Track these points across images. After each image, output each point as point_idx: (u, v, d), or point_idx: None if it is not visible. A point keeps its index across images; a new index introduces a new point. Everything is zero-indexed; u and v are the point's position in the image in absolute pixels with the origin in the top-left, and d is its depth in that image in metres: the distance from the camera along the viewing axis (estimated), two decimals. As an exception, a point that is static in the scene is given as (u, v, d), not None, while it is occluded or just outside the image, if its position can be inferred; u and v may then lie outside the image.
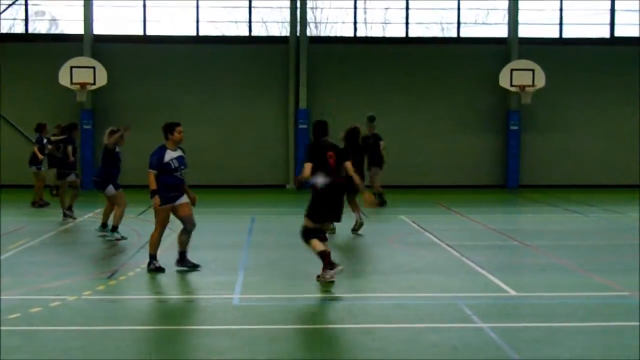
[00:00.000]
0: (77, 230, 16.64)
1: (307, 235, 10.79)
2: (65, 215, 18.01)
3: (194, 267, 11.79)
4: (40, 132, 21.03)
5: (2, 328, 8.36)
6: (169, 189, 11.57)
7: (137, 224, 17.30)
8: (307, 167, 10.83)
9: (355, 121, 27.95)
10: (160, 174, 11.53)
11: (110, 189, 15.49)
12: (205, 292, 10.29)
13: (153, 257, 11.67)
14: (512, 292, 10.38)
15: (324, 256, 10.66)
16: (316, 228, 10.80)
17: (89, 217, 18.56)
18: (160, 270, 11.53)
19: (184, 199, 11.84)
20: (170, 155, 11.66)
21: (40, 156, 20.79)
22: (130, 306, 9.59)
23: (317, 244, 10.68)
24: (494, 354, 7.60)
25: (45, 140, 20.59)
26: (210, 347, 7.78)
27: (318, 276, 10.75)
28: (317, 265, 12.66)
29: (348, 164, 11.22)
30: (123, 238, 14.91)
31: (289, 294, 10.39)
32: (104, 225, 15.51)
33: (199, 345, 7.86)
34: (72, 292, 10.09)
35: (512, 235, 15.76)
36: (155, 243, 11.71)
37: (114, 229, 15.12)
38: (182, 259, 11.84)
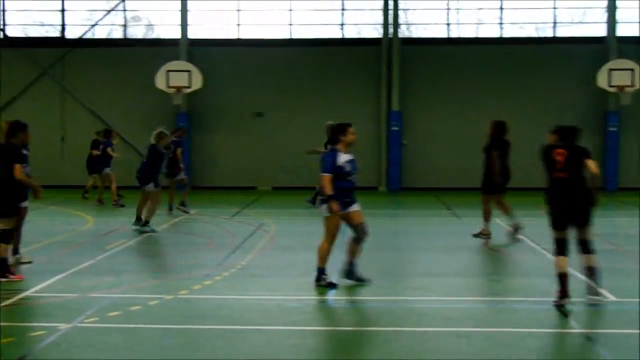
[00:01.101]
0: (174, 231, 16.94)
1: (556, 248, 9.78)
2: (170, 209, 19.55)
3: (361, 281, 10.87)
4: (108, 137, 22.58)
5: (103, 325, 8.59)
6: (343, 195, 10.72)
7: (232, 224, 17.52)
8: None
9: (452, 123, 27.86)
10: (334, 179, 10.65)
11: (152, 186, 16.41)
12: (300, 294, 10.32)
13: (322, 271, 10.77)
14: (612, 297, 10.13)
15: (561, 281, 9.52)
16: (562, 238, 9.77)
17: (185, 218, 18.89)
18: (332, 286, 10.62)
19: (357, 205, 11.02)
20: (343, 158, 10.79)
21: (116, 154, 22.44)
22: (225, 306, 9.71)
23: (560, 264, 9.63)
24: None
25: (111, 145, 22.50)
26: (306, 348, 7.81)
27: (554, 301, 9.50)
28: (411, 267, 12.60)
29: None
30: (153, 231, 16.03)
31: (382, 295, 10.36)
32: (138, 220, 16.46)
33: (295, 346, 7.90)
34: (169, 292, 10.27)
35: (610, 239, 15.37)
36: (325, 255, 10.80)
37: (146, 223, 16.16)
38: (351, 271, 10.94)
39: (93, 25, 29.29)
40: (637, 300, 9.97)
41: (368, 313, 9.35)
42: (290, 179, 27.96)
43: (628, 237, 15.92)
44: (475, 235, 15.33)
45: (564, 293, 9.44)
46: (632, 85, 25.93)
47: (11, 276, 11.10)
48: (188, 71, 26.35)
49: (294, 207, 22.01)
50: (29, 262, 12.28)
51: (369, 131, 28.36)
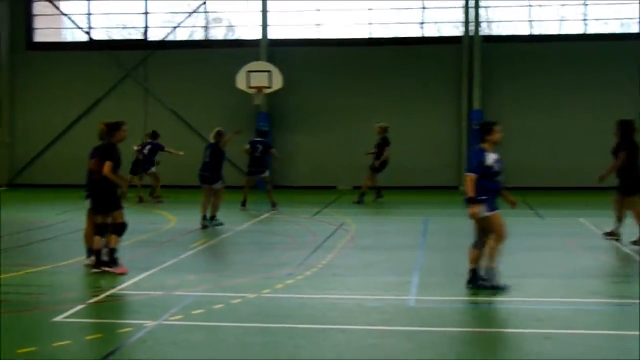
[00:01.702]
0: (255, 230, 17.08)
1: None
2: (244, 205, 20.49)
3: (495, 288, 10.33)
4: (154, 138, 23.67)
5: (187, 323, 8.72)
6: (493, 195, 10.41)
7: (312, 224, 17.59)
8: None
9: (534, 121, 27.44)
10: (482, 179, 10.26)
11: (219, 183, 17.36)
12: (381, 293, 10.32)
13: (475, 272, 10.51)
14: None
15: None
16: None
17: (266, 218, 19.04)
18: (501, 288, 10.28)
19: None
20: (491, 157, 10.40)
21: (178, 153, 23.60)
22: (307, 305, 9.75)
23: None
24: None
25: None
26: (387, 348, 7.80)
27: None
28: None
29: None
30: (221, 224, 17.03)
31: (465, 296, 10.28)
32: (204, 217, 17.17)
33: (376, 345, 7.89)
34: (251, 290, 10.36)
35: None
36: (496, 255, 10.41)
37: (213, 217, 17.10)
38: (475, 278, 10.56)
39: (175, 28, 29.75)
40: None
41: (451, 313, 9.27)
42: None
43: None
44: (608, 234, 14.91)
45: None
46: None
47: (115, 268, 11.65)
48: (268, 71, 26.54)
49: (374, 207, 21.98)
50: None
51: (450, 130, 28.16)
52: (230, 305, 9.59)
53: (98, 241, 11.85)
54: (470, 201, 10.19)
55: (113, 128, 12.05)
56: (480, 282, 10.39)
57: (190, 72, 28.88)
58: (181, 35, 30.50)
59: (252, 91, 26.39)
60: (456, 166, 27.91)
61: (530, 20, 28.54)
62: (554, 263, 12.65)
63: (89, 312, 9.32)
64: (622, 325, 8.70)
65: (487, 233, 10.38)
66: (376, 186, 23.20)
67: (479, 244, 10.51)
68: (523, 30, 28.64)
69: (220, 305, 9.53)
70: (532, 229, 17.18)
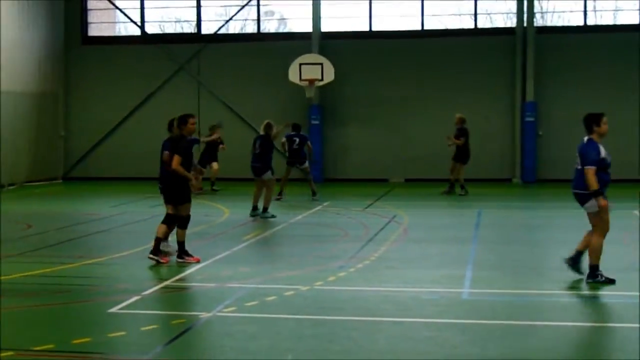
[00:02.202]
0: (307, 222, 17.09)
1: None
2: (280, 194, 20.91)
3: (609, 281, 10.32)
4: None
5: (241, 315, 8.77)
6: (604, 187, 10.30)
7: (364, 216, 17.56)
8: None
9: (586, 112, 27.01)
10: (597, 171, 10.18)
11: (269, 174, 17.44)
12: (434, 286, 10.26)
13: (597, 267, 10.37)
14: None
15: None
16: None
17: (318, 210, 19.07)
18: (611, 282, 10.28)
19: None
20: (603, 149, 10.36)
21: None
22: (360, 297, 9.73)
23: None
24: None
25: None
26: (442, 341, 7.76)
27: None
28: (546, 261, 12.33)
29: None
30: (273, 216, 17.10)
31: (519, 289, 10.19)
32: (254, 209, 17.44)
33: (431, 338, 7.85)
34: (304, 282, 10.38)
35: None
36: (599, 251, 10.35)
37: (265, 210, 17.18)
38: (577, 261, 10.66)
39: (227, 21, 29.88)
40: None
41: (505, 306, 9.19)
42: (422, 171, 27.79)
43: None
44: None
45: None
46: None
47: (188, 258, 11.95)
48: (320, 64, 26.50)
49: (426, 199, 21.88)
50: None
51: (503, 122, 27.88)
52: (283, 297, 9.62)
53: (162, 230, 12.11)
54: (596, 194, 10.10)
55: (181, 121, 12.15)
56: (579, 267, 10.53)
57: (242, 65, 28.98)
58: (233, 28, 30.65)
59: (304, 84, 26.40)
60: (510, 158, 27.64)
61: (584, 11, 28.10)
62: (605, 256, 12.42)
63: (143, 303, 9.41)
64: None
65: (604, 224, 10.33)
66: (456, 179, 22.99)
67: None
68: (577, 21, 28.22)
69: (273, 297, 9.56)
70: (584, 222, 16.92)
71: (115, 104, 29.57)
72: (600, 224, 10.30)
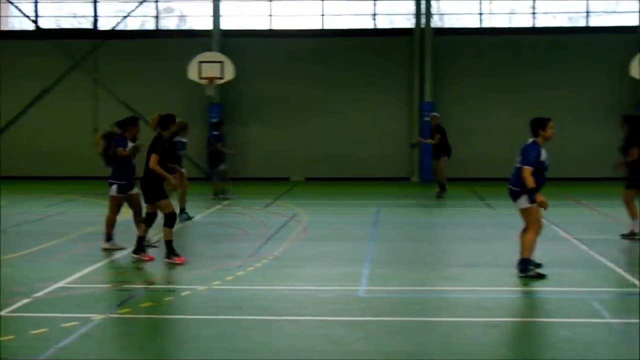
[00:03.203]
0: (206, 222, 16.97)
1: None
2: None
3: (540, 276, 10.63)
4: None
5: (136, 316, 8.63)
6: (539, 189, 10.58)
7: (265, 215, 17.55)
8: None
9: (484, 113, 27.63)
10: (533, 173, 10.52)
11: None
12: (332, 284, 10.32)
13: (529, 262, 10.71)
14: (648, 288, 10.03)
15: None
16: None
17: (218, 209, 18.96)
18: (541, 277, 10.58)
19: None
20: (544, 153, 10.67)
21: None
22: (259, 296, 9.71)
23: None
24: (626, 351, 7.34)
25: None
26: (337, 338, 7.80)
27: None
28: (444, 257, 12.54)
29: None
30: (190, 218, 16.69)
31: (415, 286, 10.34)
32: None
33: (327, 336, 7.89)
34: (202, 282, 10.30)
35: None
36: (532, 246, 10.68)
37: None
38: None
39: (125, 17, 29.41)
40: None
41: (400, 303, 9.30)
42: (323, 170, 27.96)
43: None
44: (625, 236, 14.12)
45: None
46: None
47: (175, 258, 11.80)
48: (220, 62, 26.38)
49: (327, 198, 22.00)
50: (124, 249, 12.90)
51: (402, 122, 28.26)
52: (181, 297, 9.53)
53: (143, 228, 12.16)
54: (534, 191, 10.45)
55: (164, 120, 12.07)
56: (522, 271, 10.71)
57: (141, 63, 28.60)
58: (132, 24, 30.15)
59: (203, 82, 26.22)
60: (409, 157, 28.04)
61: (480, 13, 28.71)
62: (502, 253, 12.73)
63: (35, 306, 9.17)
64: (568, 314, 8.80)
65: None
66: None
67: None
68: (474, 23, 28.82)
69: (170, 298, 9.47)
70: (482, 220, 17.34)
71: (8, 101, 28.74)
72: (532, 220, 10.69)
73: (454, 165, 27.57)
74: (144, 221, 12.22)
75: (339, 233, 15.07)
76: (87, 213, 18.01)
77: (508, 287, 10.23)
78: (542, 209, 10.68)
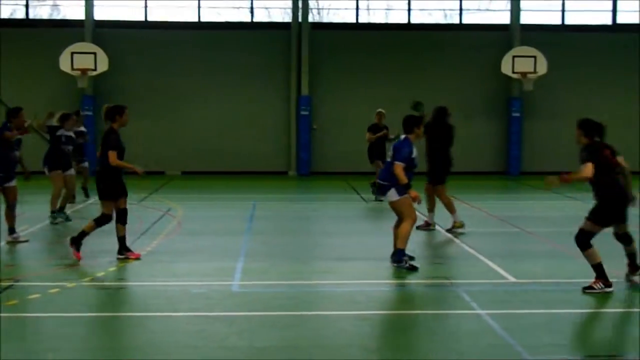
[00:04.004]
0: (77, 217, 16.57)
1: (588, 242, 9.61)
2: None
3: (412, 268, 10.85)
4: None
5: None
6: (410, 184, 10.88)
7: (139, 210, 17.28)
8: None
9: (361, 108, 27.94)
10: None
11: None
12: (205, 279, 10.26)
13: (403, 252, 10.91)
14: (512, 279, 10.37)
15: (601, 269, 9.55)
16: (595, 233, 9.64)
17: (89, 203, 18.57)
18: (414, 269, 10.76)
19: None
20: (415, 151, 10.98)
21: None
22: (130, 293, 9.58)
23: (597, 255, 9.57)
24: (493, 341, 7.58)
25: None
26: (209, 334, 7.77)
27: (585, 288, 9.54)
28: (318, 251, 12.63)
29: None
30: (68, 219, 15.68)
31: (289, 280, 10.39)
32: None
33: (199, 332, 7.85)
34: (71, 279, 10.09)
35: (513, 222, 15.74)
36: (407, 237, 10.90)
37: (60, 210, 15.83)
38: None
39: (-6, 5, 28.42)
40: (536, 281, 10.25)
41: (274, 298, 9.33)
42: (200, 164, 27.76)
43: (533, 219, 16.30)
44: (449, 230, 14.44)
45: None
46: (535, 72, 26.53)
47: (128, 254, 11.61)
48: (94, 53, 25.80)
49: (202, 192, 21.86)
50: (26, 241, 12.86)
51: (279, 116, 28.32)
52: (48, 295, 9.28)
53: (122, 229, 11.72)
54: (407, 187, 10.75)
55: (116, 112, 11.79)
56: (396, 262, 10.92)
57: (11, 53, 27.63)
58: (2, 13, 29.12)
59: (76, 73, 25.59)
60: (286, 151, 28.14)
61: (357, 9, 29.03)
62: (375, 247, 12.93)
63: None
64: (437, 305, 9.03)
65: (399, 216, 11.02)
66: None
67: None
68: (351, 18, 29.12)
69: (36, 295, 9.21)
70: (357, 213, 17.58)
71: None
72: (406, 211, 10.88)
73: (332, 159, 27.95)
74: (98, 222, 11.59)
75: (213, 227, 15.00)
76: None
77: (381, 280, 10.40)
78: (416, 203, 10.90)
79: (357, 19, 28.94)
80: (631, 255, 9.97)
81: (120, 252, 11.61)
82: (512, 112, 28.13)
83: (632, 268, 10.01)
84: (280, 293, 9.64)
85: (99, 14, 28.02)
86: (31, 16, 28.77)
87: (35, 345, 7.39)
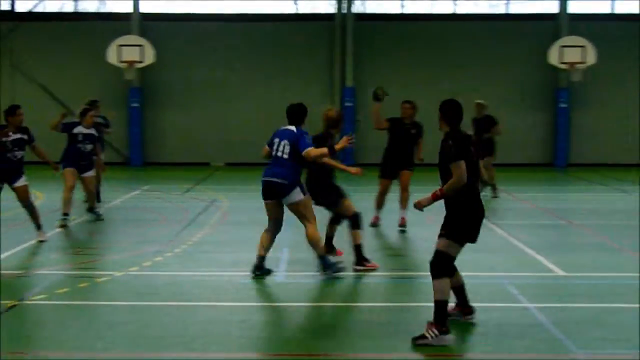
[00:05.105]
0: (125, 207, 16.74)
1: (447, 267, 7.42)
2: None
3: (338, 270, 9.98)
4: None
5: (51, 302, 8.50)
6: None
7: (184, 201, 17.42)
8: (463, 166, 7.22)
9: (402, 98, 27.77)
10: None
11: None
12: (249, 270, 10.26)
13: (324, 257, 10.03)
14: (560, 272, 10.26)
15: (444, 309, 7.34)
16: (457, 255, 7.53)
17: (136, 194, 18.74)
18: (338, 271, 9.93)
19: None
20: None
21: None
22: (176, 283, 9.64)
23: (446, 291, 7.36)
24: (540, 334, 7.50)
25: None
26: (253, 324, 7.78)
27: (416, 339, 7.22)
28: (364, 241, 12.62)
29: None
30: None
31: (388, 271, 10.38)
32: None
33: (243, 321, 7.87)
34: (119, 268, 10.19)
35: (560, 214, 15.57)
36: (319, 239, 9.97)
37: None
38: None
39: (43, -1, 28.79)
40: (584, 274, 10.13)
41: (317, 288, 9.33)
42: (243, 155, 27.85)
43: (581, 212, 16.11)
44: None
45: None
46: (583, 62, 26.16)
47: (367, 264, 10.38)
48: (140, 45, 26.01)
49: (247, 184, 21.90)
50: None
51: (324, 107, 28.24)
52: (97, 283, 9.41)
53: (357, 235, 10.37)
54: (332, 152, 9.89)
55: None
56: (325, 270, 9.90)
57: (60, 46, 28.00)
58: (51, 6, 29.49)
59: (123, 66, 25.82)
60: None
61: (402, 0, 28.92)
62: (421, 238, 12.84)
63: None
64: (484, 298, 8.97)
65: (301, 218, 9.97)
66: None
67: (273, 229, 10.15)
68: (395, 9, 28.99)
69: (85, 284, 9.33)
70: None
71: None
72: (309, 213, 9.89)
73: (376, 151, 27.78)
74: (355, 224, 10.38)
75: (258, 218, 14.82)
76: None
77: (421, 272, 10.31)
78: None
79: (401, 9, 28.80)
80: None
81: (358, 262, 10.36)
82: (560, 103, 27.80)
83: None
84: (323, 283, 9.63)
85: (145, 7, 28.22)
86: (79, 9, 29.06)
87: (84, 332, 7.47)
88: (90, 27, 27.99)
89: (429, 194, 7.33)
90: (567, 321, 7.94)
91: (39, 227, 12.32)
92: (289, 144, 9.90)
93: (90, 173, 14.38)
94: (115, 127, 22.92)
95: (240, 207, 16.56)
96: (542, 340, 7.34)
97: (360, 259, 10.29)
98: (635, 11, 28.23)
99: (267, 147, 10.16)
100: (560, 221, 14.84)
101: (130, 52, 25.77)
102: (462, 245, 7.40)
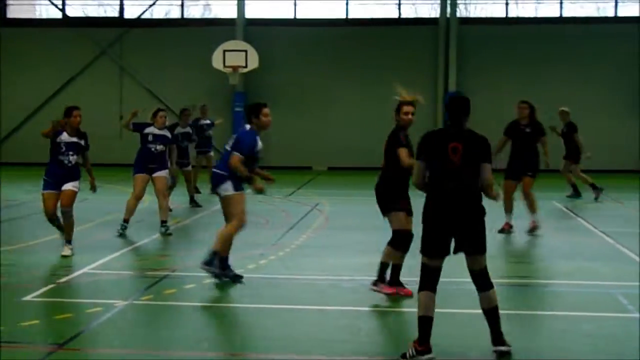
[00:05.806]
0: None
1: (425, 279, 6.87)
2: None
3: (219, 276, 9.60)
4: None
5: (159, 303, 8.67)
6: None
7: (286, 204, 17.55)
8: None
9: (510, 104, 27.37)
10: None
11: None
12: (354, 274, 10.25)
13: (217, 254, 9.62)
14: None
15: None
16: (435, 267, 6.86)
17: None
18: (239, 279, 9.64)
19: None
20: (260, 142, 10.20)
21: None
22: (280, 285, 9.70)
23: (423, 306, 6.80)
24: (653, 346, 7.27)
25: None
26: (359, 328, 7.77)
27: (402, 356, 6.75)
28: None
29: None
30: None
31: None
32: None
33: (349, 326, 7.87)
34: (224, 271, 10.29)
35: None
36: (230, 242, 9.66)
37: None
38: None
39: (151, 5, 29.51)
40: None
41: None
42: (346, 159, 27.91)
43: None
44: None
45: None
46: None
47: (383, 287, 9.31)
48: (244, 51, 26.35)
49: (349, 188, 21.96)
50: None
51: (426, 112, 28.10)
52: (203, 285, 9.53)
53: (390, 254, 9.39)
54: (249, 180, 9.60)
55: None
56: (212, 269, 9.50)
57: (166, 51, 28.67)
58: (157, 13, 30.25)
59: (227, 70, 26.21)
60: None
61: (507, 3, 28.52)
62: (528, 244, 12.63)
63: (58, 291, 9.24)
64: (593, 307, 8.74)
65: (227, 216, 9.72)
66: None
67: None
68: (499, 12, 28.63)
69: (191, 285, 9.47)
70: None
71: (35, 89, 28.95)
72: (238, 211, 9.61)
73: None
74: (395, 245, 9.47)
75: (361, 222, 15.00)
76: (109, 200, 18.05)
77: (540, 280, 10.13)
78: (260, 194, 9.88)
79: (506, 12, 28.41)
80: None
81: (377, 281, 9.22)
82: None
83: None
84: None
85: (250, 12, 28.60)
86: (185, 15, 29.67)
87: (192, 333, 7.59)
88: (196, 33, 28.54)
89: None
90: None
91: (68, 241, 11.32)
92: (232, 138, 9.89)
93: (162, 173, 13.78)
94: (221, 132, 23.31)
95: (343, 212, 16.59)
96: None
97: (380, 279, 9.17)
98: None
99: None
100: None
101: (234, 57, 26.13)
102: (426, 256, 6.77)
